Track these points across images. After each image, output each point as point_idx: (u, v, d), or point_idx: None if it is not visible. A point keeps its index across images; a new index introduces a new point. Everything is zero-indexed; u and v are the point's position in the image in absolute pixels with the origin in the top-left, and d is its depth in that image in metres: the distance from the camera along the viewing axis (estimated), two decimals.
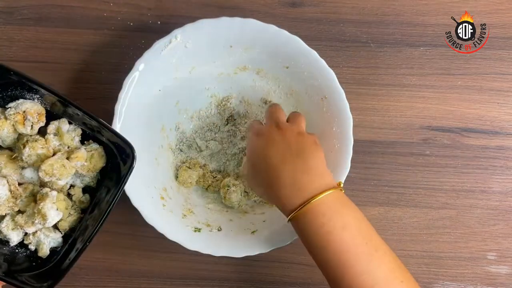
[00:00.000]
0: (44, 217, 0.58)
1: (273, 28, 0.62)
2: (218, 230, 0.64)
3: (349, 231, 0.51)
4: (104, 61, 0.70)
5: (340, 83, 0.63)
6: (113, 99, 0.61)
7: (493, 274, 0.69)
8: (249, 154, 0.59)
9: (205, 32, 0.62)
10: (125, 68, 0.63)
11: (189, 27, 0.62)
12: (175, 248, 0.61)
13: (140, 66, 0.61)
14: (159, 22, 0.70)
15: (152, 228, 0.60)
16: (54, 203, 0.59)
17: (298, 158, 0.54)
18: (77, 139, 0.62)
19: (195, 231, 0.63)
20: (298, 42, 0.62)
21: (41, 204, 0.58)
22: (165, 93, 0.66)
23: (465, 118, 0.71)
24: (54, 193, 0.59)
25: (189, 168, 0.68)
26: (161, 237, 0.60)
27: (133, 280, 0.68)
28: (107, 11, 0.70)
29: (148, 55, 0.61)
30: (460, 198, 0.70)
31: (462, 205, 0.70)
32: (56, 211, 0.59)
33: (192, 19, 0.63)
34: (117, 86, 0.62)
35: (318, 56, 0.62)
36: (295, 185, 0.52)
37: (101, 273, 0.68)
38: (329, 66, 0.63)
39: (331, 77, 0.63)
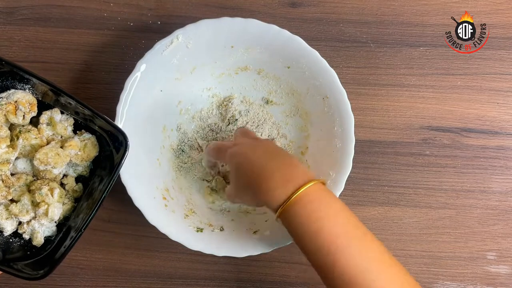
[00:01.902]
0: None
1: (274, 28, 0.62)
2: (220, 230, 0.64)
3: (340, 217, 0.52)
4: (104, 61, 0.70)
5: (340, 83, 0.63)
6: (113, 99, 0.61)
7: (493, 274, 0.70)
8: (230, 159, 0.59)
9: (207, 32, 0.62)
10: (126, 68, 0.63)
11: (190, 28, 0.62)
12: (175, 248, 0.61)
13: (142, 66, 0.61)
14: (159, 22, 0.70)
15: (152, 228, 0.60)
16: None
17: (281, 154, 0.57)
18: (70, 128, 0.63)
19: (197, 231, 0.63)
20: (299, 42, 0.62)
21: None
22: (167, 93, 0.66)
23: (465, 118, 0.71)
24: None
25: (214, 190, 0.68)
26: (161, 237, 0.60)
27: (133, 280, 0.68)
28: (107, 11, 0.70)
29: (149, 55, 0.61)
30: (459, 198, 0.71)
31: (462, 205, 0.70)
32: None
33: (192, 19, 0.63)
34: (117, 86, 0.62)
35: (320, 56, 0.62)
36: (283, 177, 0.53)
37: (101, 273, 0.68)
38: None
39: (333, 77, 0.63)
